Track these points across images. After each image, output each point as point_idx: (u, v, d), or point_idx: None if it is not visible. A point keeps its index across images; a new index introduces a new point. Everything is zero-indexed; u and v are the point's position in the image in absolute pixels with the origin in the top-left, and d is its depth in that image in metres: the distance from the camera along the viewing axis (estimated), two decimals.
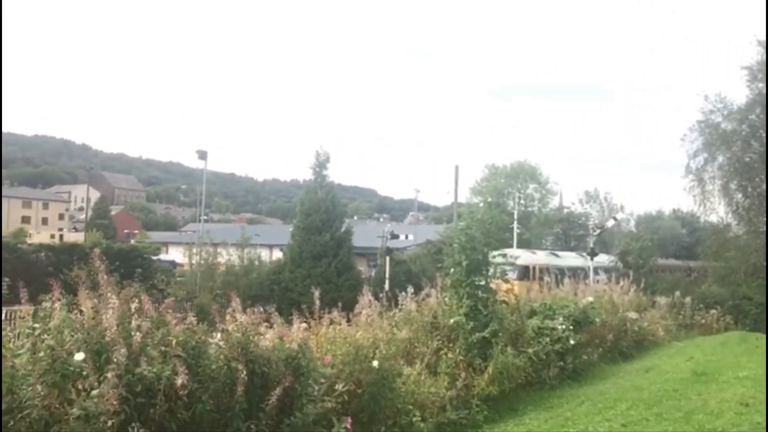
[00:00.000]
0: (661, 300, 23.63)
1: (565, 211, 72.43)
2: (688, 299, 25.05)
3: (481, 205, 12.13)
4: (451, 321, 10.66)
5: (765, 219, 31.25)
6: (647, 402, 10.40)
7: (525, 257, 29.75)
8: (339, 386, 7.03)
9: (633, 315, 17.80)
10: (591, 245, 29.37)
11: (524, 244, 53.30)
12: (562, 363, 12.53)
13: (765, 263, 30.24)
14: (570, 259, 37.77)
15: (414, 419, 8.01)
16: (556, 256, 38.50)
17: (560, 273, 23.55)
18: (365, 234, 58.52)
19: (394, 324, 9.74)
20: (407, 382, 8.57)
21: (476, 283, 10.91)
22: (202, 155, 34.31)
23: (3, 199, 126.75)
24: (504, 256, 12.54)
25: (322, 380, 6.87)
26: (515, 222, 45.41)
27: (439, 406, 8.94)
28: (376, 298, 10.28)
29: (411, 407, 8.22)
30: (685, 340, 20.62)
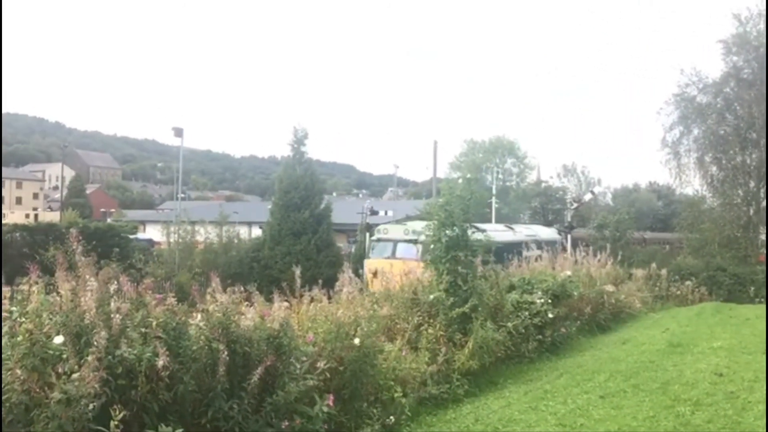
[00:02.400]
0: (638, 272, 23.99)
1: (543, 185, 72.89)
2: (664, 271, 25.44)
3: (460, 180, 12.15)
4: (431, 297, 10.73)
5: (740, 192, 31.73)
6: (624, 373, 10.60)
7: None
8: (321, 364, 7.05)
9: (610, 288, 18.05)
10: (569, 219, 29.67)
11: (503, 218, 53.66)
12: (540, 336, 12.70)
13: (738, 235, 30.80)
14: (499, 233, 30.46)
15: (395, 395, 8.08)
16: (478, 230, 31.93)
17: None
18: (345, 210, 58.52)
19: (375, 301, 9.77)
20: (388, 358, 8.63)
21: (456, 258, 10.97)
22: (178, 132, 33.95)
23: None
24: (483, 232, 12.51)
25: (304, 358, 6.88)
26: (494, 197, 45.57)
27: (420, 381, 9.04)
28: (357, 274, 10.32)
29: (392, 383, 8.28)
30: (661, 311, 21.00)
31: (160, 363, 5.31)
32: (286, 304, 7.62)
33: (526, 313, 12.53)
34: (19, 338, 4.77)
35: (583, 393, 9.59)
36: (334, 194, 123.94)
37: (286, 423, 6.30)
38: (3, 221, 39.43)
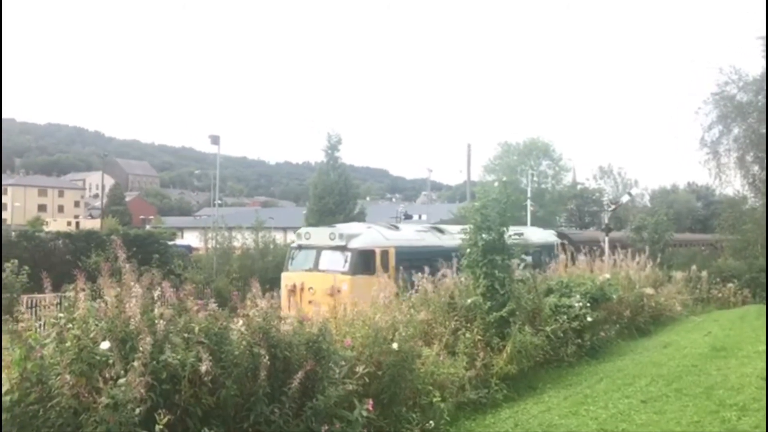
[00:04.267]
0: (678, 275, 23.55)
1: (579, 187, 72.05)
2: (704, 273, 24.92)
3: (496, 184, 12.09)
4: (469, 301, 10.69)
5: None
6: (666, 378, 10.43)
7: (368, 236, 18.42)
8: (359, 368, 7.09)
9: (649, 291, 17.77)
10: (606, 221, 29.11)
11: (538, 221, 53.17)
12: (579, 340, 12.57)
13: None
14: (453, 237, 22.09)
15: (434, 399, 8.07)
16: (440, 231, 21.90)
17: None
18: (378, 215, 58.60)
19: (411, 305, 9.77)
20: (426, 363, 8.62)
21: (493, 262, 10.92)
22: (215, 140, 34.28)
23: (20, 188, 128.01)
24: (519, 236, 12.31)
25: (343, 363, 6.92)
26: (528, 200, 45.18)
27: (459, 386, 9.01)
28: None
29: (431, 388, 8.28)
30: (702, 314, 20.57)
31: (203, 368, 5.39)
32: (324, 308, 7.70)
33: (565, 316, 12.40)
34: (68, 344, 4.89)
35: (624, 397, 9.46)
36: (368, 199, 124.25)
37: (326, 427, 6.34)
38: (47, 229, 40.38)
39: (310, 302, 15.43)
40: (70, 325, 5.22)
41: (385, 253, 17.83)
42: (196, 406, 5.55)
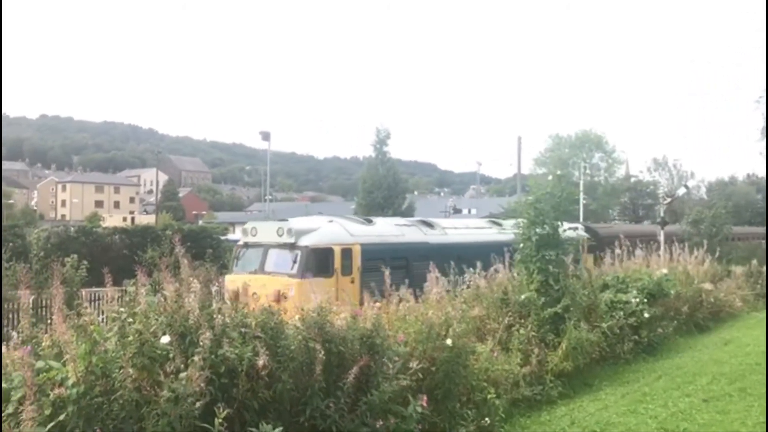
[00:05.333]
0: (737, 269, 22.81)
1: (633, 180, 70.60)
2: (765, 268, 24.06)
3: (550, 177, 11.89)
4: (522, 297, 10.55)
5: None
6: (729, 376, 10.12)
7: (325, 232, 15.70)
8: (413, 364, 7.07)
9: (708, 286, 17.25)
10: (661, 214, 28.37)
11: (590, 215, 52.26)
12: (636, 337, 12.30)
13: None
14: (476, 230, 20.67)
15: (488, 396, 7.99)
16: (429, 225, 19.09)
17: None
18: (427, 209, 58.46)
19: (464, 301, 9.69)
20: (480, 359, 8.54)
21: (547, 257, 10.75)
22: (266, 136, 34.87)
23: (78, 185, 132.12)
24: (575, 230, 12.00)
25: (396, 358, 6.91)
26: (581, 193, 44.44)
27: (513, 382, 8.90)
28: (443, 274, 10.26)
29: (485, 384, 8.20)
30: (764, 310, 19.88)
31: (261, 362, 5.45)
32: (377, 304, 7.69)
33: (621, 312, 12.15)
34: (130, 338, 4.99)
35: (684, 396, 9.22)
36: (416, 193, 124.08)
37: (381, 422, 6.34)
38: (103, 225, 41.54)
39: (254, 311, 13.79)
40: (131, 320, 5.32)
41: (346, 252, 15.20)
42: (253, 399, 5.62)
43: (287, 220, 16.49)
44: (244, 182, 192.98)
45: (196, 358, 4.97)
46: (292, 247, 14.92)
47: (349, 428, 6.13)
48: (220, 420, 4.93)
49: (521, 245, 11.25)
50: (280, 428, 5.40)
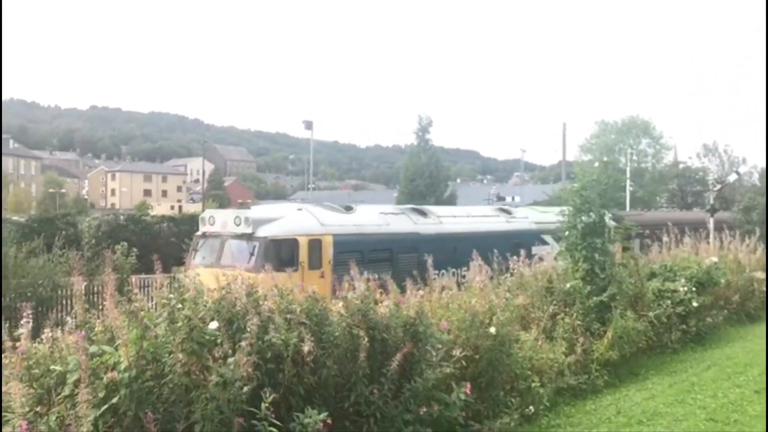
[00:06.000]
0: None
1: (681, 166, 68.89)
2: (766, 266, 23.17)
3: (596, 164, 11.68)
4: (567, 285, 10.43)
5: None
6: None
7: (289, 221, 14.31)
8: (456, 352, 7.07)
9: (760, 275, 16.76)
10: (711, 201, 27.65)
11: (637, 202, 51.26)
12: (684, 326, 12.06)
13: None
14: (483, 219, 18.95)
15: (533, 384, 7.96)
16: (422, 214, 17.47)
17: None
18: (469, 196, 58.15)
19: (507, 289, 9.64)
20: (524, 347, 8.49)
21: (593, 245, 10.60)
22: (308, 125, 35.10)
23: (127, 174, 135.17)
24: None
25: (440, 346, 6.93)
26: (627, 180, 43.59)
27: (557, 371, 8.83)
28: (486, 262, 10.21)
29: (529, 373, 8.17)
30: None
31: (306, 348, 5.53)
32: (420, 292, 7.70)
33: (669, 301, 11.92)
34: (179, 324, 5.11)
35: (734, 387, 9.03)
36: (458, 181, 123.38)
37: (424, 409, 6.38)
38: (152, 213, 42.44)
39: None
40: (180, 306, 5.45)
41: (315, 244, 13.77)
42: (298, 385, 5.71)
43: (249, 208, 15.23)
44: (288, 171, 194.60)
45: (243, 343, 5.07)
46: (249, 238, 13.59)
47: (393, 414, 6.19)
48: (267, 404, 5.04)
49: (566, 233, 11.12)
50: (325, 413, 5.48)
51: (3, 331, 5.23)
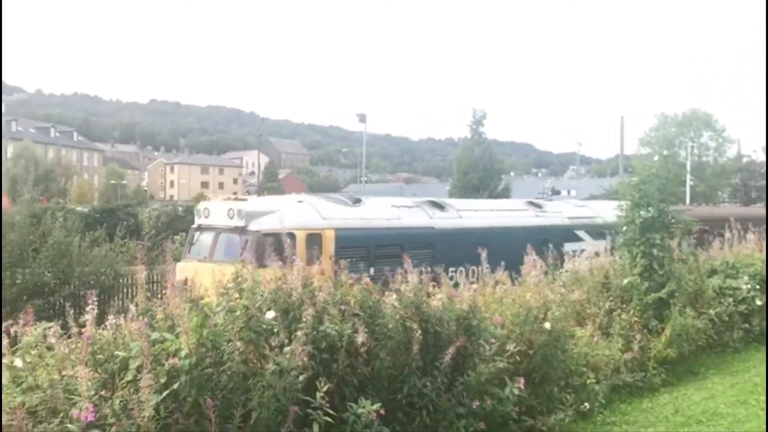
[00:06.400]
0: None
1: (745, 160, 66.57)
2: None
3: (656, 158, 11.40)
4: (625, 281, 10.24)
5: None
6: None
7: (286, 214, 13.28)
8: (510, 347, 7.03)
9: None
10: None
11: (698, 196, 49.83)
12: (747, 325, 11.71)
13: None
14: (509, 213, 17.78)
15: (588, 381, 7.86)
16: (439, 207, 16.24)
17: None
18: (523, 190, 57.48)
19: (563, 284, 9.52)
20: (579, 343, 8.38)
21: (651, 241, 10.36)
22: (362, 118, 35.26)
23: (185, 167, 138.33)
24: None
25: (493, 340, 6.91)
26: (688, 174, 42.38)
27: (613, 368, 8.69)
28: (541, 256, 10.06)
29: (584, 369, 8.07)
30: None
31: (359, 339, 5.59)
32: (474, 285, 7.68)
33: (730, 299, 11.57)
34: (237, 313, 5.23)
35: None
36: (512, 174, 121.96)
37: (477, 403, 6.38)
38: None
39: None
40: (238, 295, 5.57)
41: (313, 238, 12.77)
42: (352, 375, 5.78)
43: (246, 200, 14.30)
44: (341, 164, 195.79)
45: (299, 333, 5.16)
46: (242, 231, 12.82)
47: (446, 407, 6.21)
48: (322, 394, 5.12)
49: (624, 228, 10.90)
50: (378, 404, 5.53)
51: (68, 317, 5.45)
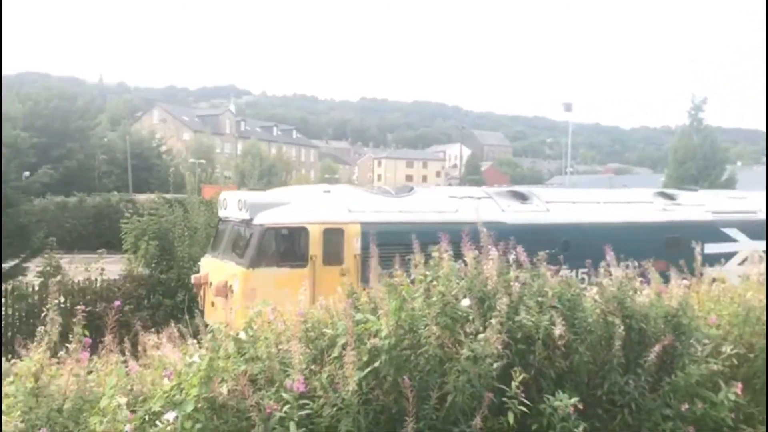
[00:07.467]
0: None
1: None
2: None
3: None
4: None
5: None
6: None
7: (302, 206, 12.14)
8: (726, 349, 6.49)
9: None
10: None
11: None
12: None
13: None
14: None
15: None
16: (523, 197, 14.41)
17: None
18: (751, 181, 52.07)
19: None
20: None
21: None
22: (568, 107, 34.28)
23: (391, 161, 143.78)
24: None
25: (706, 341, 6.42)
26: None
27: None
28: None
29: None
30: None
31: (557, 332, 5.50)
32: (685, 281, 7.20)
33: None
34: (434, 299, 5.41)
35: None
36: (739, 164, 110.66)
37: (686, 406, 5.99)
38: None
39: (213, 304, 11.73)
40: (435, 282, 5.74)
41: (333, 234, 11.57)
42: (549, 368, 5.70)
43: (261, 192, 13.51)
44: (545, 155, 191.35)
45: (493, 321, 5.21)
46: (247, 224, 11.79)
47: (650, 407, 5.91)
48: (517, 383, 5.12)
49: None
50: (576, 398, 5.41)
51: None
